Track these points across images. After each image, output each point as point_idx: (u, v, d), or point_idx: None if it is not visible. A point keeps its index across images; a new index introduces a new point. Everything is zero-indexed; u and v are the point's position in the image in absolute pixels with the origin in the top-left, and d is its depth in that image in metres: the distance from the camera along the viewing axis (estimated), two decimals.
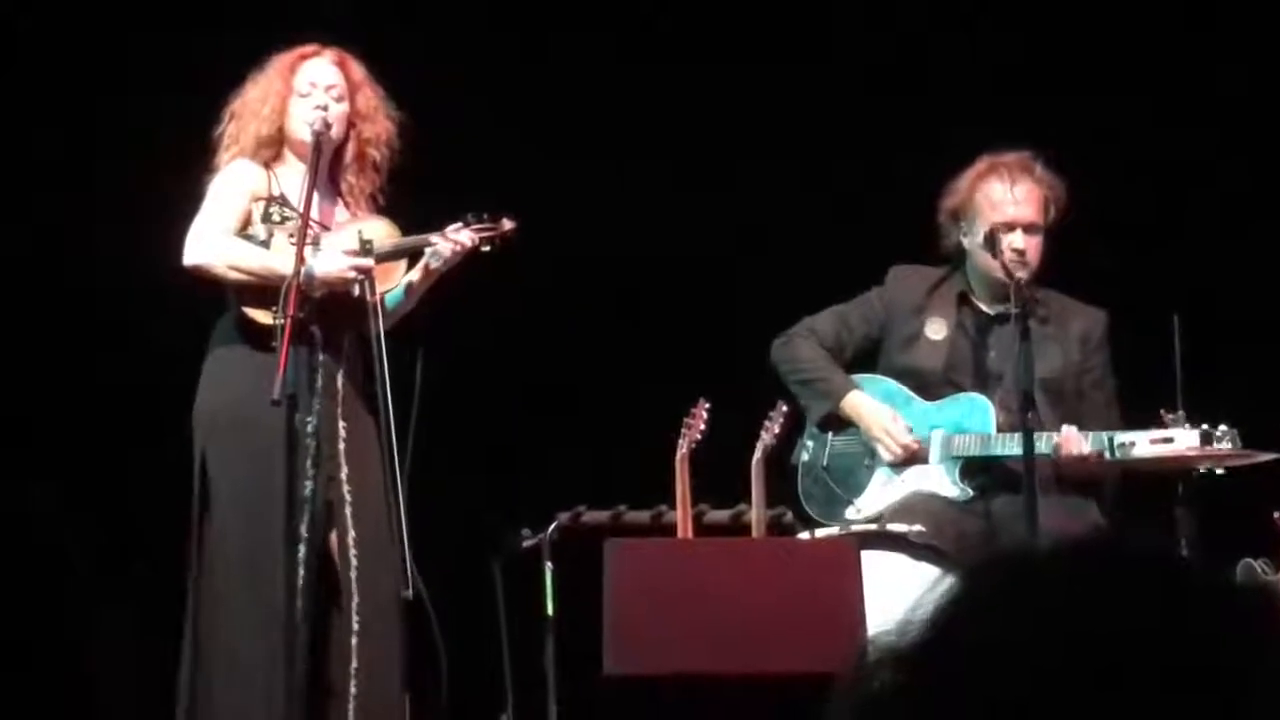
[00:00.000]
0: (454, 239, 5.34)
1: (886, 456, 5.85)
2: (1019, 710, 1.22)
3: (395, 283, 5.38)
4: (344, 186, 5.44)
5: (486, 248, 5.36)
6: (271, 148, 5.36)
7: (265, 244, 5.28)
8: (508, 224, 5.38)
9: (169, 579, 5.25)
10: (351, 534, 5.21)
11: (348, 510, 5.22)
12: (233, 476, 5.19)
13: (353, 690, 5.16)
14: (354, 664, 5.16)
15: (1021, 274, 5.66)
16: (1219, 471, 5.61)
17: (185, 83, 5.98)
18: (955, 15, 7.11)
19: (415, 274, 5.42)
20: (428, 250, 5.37)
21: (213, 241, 5.25)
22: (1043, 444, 5.59)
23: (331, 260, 5.24)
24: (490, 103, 6.74)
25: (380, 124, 5.41)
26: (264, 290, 5.15)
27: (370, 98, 5.40)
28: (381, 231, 5.35)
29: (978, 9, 7.12)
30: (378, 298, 5.25)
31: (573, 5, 7.09)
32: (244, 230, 5.30)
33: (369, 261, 5.25)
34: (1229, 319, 6.61)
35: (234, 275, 5.24)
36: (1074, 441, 5.60)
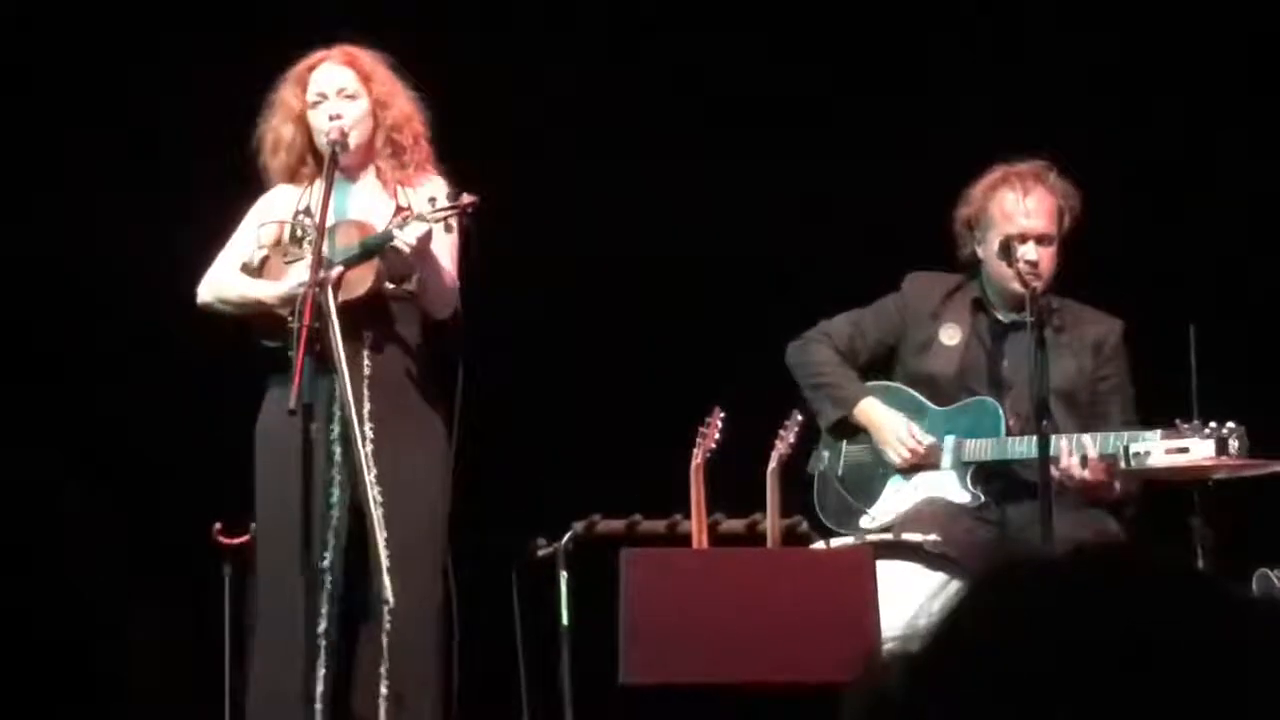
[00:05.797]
0: (407, 232, 5.15)
1: (896, 460, 5.84)
2: (1026, 714, 1.21)
3: (366, 285, 5.27)
4: (384, 177, 5.41)
5: (449, 232, 5.24)
6: (308, 164, 5.39)
7: (260, 266, 5.32)
8: (466, 198, 5.21)
9: (197, 579, 5.29)
10: (382, 536, 5.21)
11: (379, 514, 5.22)
12: (261, 489, 5.31)
13: (383, 693, 5.19)
14: (385, 665, 5.20)
15: (1036, 284, 5.66)
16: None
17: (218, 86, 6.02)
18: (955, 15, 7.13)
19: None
20: (395, 241, 5.19)
21: (209, 280, 5.37)
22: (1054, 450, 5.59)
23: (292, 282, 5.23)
24: (500, 104, 6.73)
25: (401, 106, 5.39)
26: (261, 318, 5.23)
27: (385, 82, 5.37)
28: (349, 238, 5.28)
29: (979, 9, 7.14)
30: (335, 305, 5.14)
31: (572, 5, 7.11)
32: (277, 246, 5.35)
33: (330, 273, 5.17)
34: (1246, 328, 6.60)
35: (227, 309, 5.33)
36: (1066, 453, 5.57)
